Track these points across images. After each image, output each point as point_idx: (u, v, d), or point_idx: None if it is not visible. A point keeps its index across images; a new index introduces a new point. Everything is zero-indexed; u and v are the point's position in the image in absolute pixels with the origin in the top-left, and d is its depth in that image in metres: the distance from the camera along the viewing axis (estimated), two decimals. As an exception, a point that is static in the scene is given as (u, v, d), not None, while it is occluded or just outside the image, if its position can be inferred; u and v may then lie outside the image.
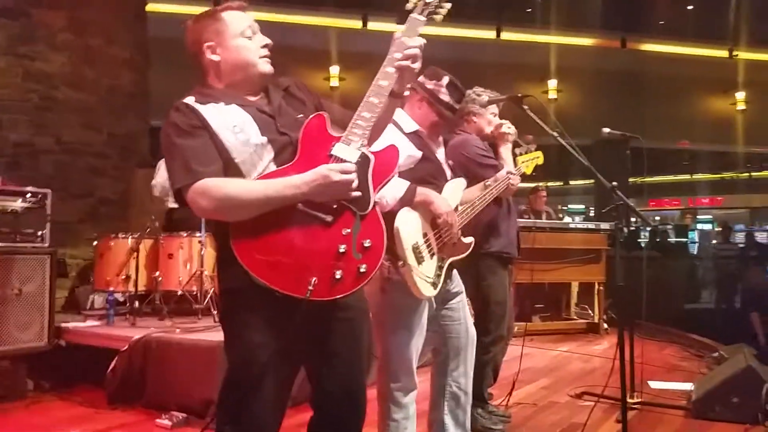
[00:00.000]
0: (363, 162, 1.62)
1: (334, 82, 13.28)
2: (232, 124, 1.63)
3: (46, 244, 3.81)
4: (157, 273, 4.27)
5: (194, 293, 4.22)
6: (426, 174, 2.49)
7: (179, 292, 4.25)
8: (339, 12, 13.20)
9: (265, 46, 1.74)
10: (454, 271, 2.67)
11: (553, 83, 14.11)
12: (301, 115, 1.71)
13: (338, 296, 1.54)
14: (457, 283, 2.73)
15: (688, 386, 4.01)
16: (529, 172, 2.99)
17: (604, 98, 14.05)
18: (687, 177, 21.45)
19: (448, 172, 2.64)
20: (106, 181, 5.60)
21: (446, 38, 12.99)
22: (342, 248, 1.54)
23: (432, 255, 2.40)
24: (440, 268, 2.44)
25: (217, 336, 3.45)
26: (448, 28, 13.23)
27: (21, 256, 3.65)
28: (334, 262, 1.54)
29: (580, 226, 6.33)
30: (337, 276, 1.53)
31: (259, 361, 1.58)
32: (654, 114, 13.50)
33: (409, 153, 2.43)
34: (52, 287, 3.78)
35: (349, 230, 1.56)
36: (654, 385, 4.21)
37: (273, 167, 1.62)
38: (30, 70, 5.16)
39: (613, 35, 14.27)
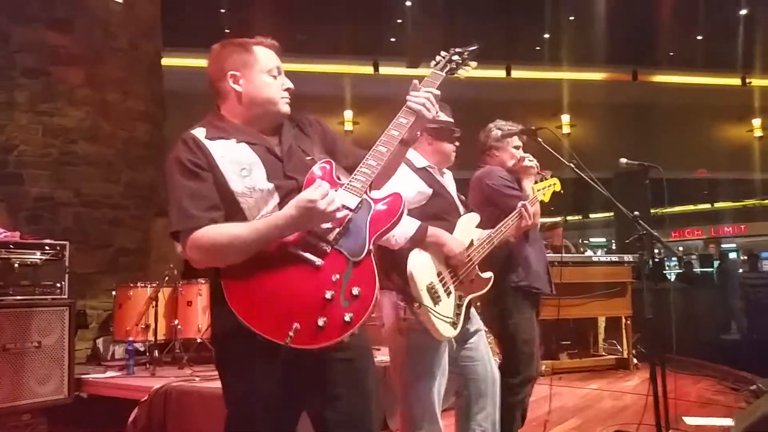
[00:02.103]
0: (363, 208, 1.59)
1: (348, 126, 13.47)
2: (240, 167, 1.61)
3: (65, 296, 3.80)
4: (176, 321, 4.24)
5: (214, 340, 4.17)
6: (438, 210, 2.46)
7: (198, 340, 4.21)
8: (352, 59, 13.46)
9: (288, 89, 1.75)
10: (472, 309, 2.61)
11: (566, 118, 14.15)
12: (310, 158, 1.70)
13: (320, 345, 1.46)
14: (476, 321, 2.66)
15: (726, 422, 3.85)
16: (546, 199, 2.93)
17: (618, 131, 14.06)
18: (708, 206, 21.19)
19: (461, 208, 2.60)
20: (124, 232, 5.64)
21: (455, 80, 13.15)
22: (329, 294, 1.48)
23: (449, 294, 2.35)
24: (459, 306, 2.38)
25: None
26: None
27: (40, 308, 3.65)
28: (319, 309, 1.47)
29: (603, 259, 6.20)
30: (320, 324, 1.46)
31: (256, 409, 1.53)
32: (669, 144, 13.45)
33: (419, 189, 2.41)
34: (71, 339, 3.75)
35: (339, 276, 1.50)
36: (689, 421, 4.04)
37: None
38: (49, 126, 5.27)
39: (624, 69, 14.35)
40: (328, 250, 1.52)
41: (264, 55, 1.74)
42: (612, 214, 17.13)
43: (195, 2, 11.22)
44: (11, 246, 3.59)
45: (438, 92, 1.78)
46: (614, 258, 6.22)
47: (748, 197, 19.85)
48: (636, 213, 2.57)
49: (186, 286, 4.34)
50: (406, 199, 1.68)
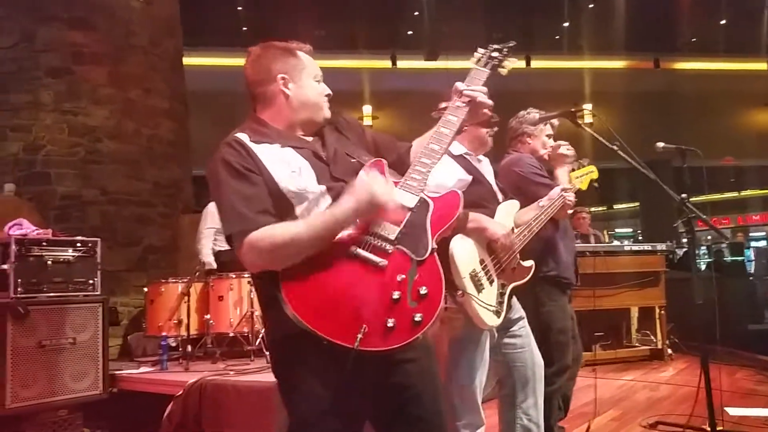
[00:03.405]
0: (421, 207, 1.56)
1: (368, 121, 13.41)
2: (290, 169, 1.56)
3: (98, 292, 3.81)
4: (208, 316, 4.23)
5: (245, 334, 4.15)
6: (477, 197, 2.40)
7: (231, 334, 4.19)
8: (370, 54, 13.41)
9: (328, 95, 1.75)
10: (513, 298, 2.56)
11: (588, 107, 13.96)
12: (355, 160, 1.66)
13: (391, 347, 1.42)
14: (518, 309, 2.61)
15: (772, 411, 3.74)
16: (584, 187, 2.85)
17: (640, 119, 13.81)
18: (735, 194, 20.78)
19: (500, 195, 2.55)
20: (152, 229, 5.65)
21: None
22: (396, 295, 1.43)
23: (491, 282, 2.30)
24: (502, 294, 2.33)
25: (272, 377, 3.36)
26: (477, 61, 13.30)
27: (74, 305, 3.65)
28: (387, 310, 1.42)
29: (635, 248, 6.07)
30: (389, 325, 1.41)
31: (325, 417, 1.46)
32: (694, 132, 13.17)
33: (459, 177, 2.37)
34: (105, 335, 3.76)
35: (404, 276, 1.46)
36: (732, 411, 3.93)
37: None
38: (74, 125, 5.30)
39: (645, 56, 14.12)
40: (390, 250, 1.48)
41: (309, 60, 1.75)
42: (638, 204, 16.87)
43: (210, 1, 11.24)
44: (44, 243, 3.60)
45: (485, 89, 1.76)
46: (647, 247, 6.10)
47: (776, 184, 19.47)
48: (684, 195, 2.48)
49: (217, 281, 4.32)
50: (462, 195, 1.64)
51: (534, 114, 3.04)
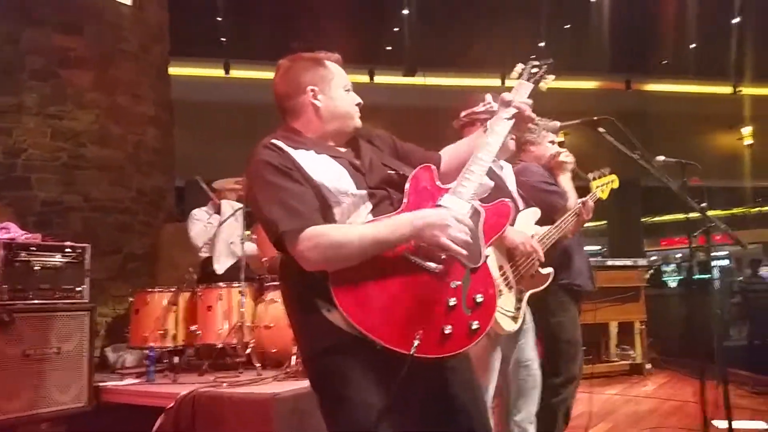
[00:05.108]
0: (474, 215, 1.56)
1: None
2: (330, 172, 1.55)
3: (86, 300, 3.69)
4: (195, 327, 4.12)
5: (234, 346, 4.06)
6: None
7: (219, 346, 4.09)
8: (347, 68, 13.37)
9: (358, 104, 1.73)
10: (527, 307, 2.57)
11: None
12: (393, 171, 1.66)
13: (447, 354, 1.41)
14: (528, 321, 2.61)
15: (760, 425, 3.82)
16: (605, 196, 2.89)
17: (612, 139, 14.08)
18: (697, 215, 21.27)
19: (520, 202, 2.56)
20: (133, 237, 5.53)
21: (452, 87, 13.21)
22: (452, 302, 1.43)
23: (510, 288, 2.32)
24: (519, 300, 2.36)
25: (267, 389, 3.30)
26: (453, 78, 13.46)
27: (60, 313, 3.53)
28: (444, 316, 1.41)
29: (617, 263, 6.17)
30: (447, 332, 1.40)
31: (377, 426, 1.41)
32: (662, 152, 13.47)
33: (482, 181, 2.36)
34: (91, 345, 3.65)
35: (459, 283, 1.46)
36: (719, 424, 3.99)
37: (370, 219, 1.54)
38: (58, 129, 5.18)
39: (617, 77, 14.45)
40: (444, 257, 1.45)
41: (339, 70, 1.73)
42: (605, 222, 17.19)
43: (190, 11, 11.14)
44: (33, 248, 3.48)
45: (530, 101, 1.77)
46: (627, 262, 6.19)
47: (737, 205, 20.03)
48: (704, 204, 2.53)
49: (205, 290, 4.22)
50: (512, 206, 1.66)
51: (554, 122, 3.06)
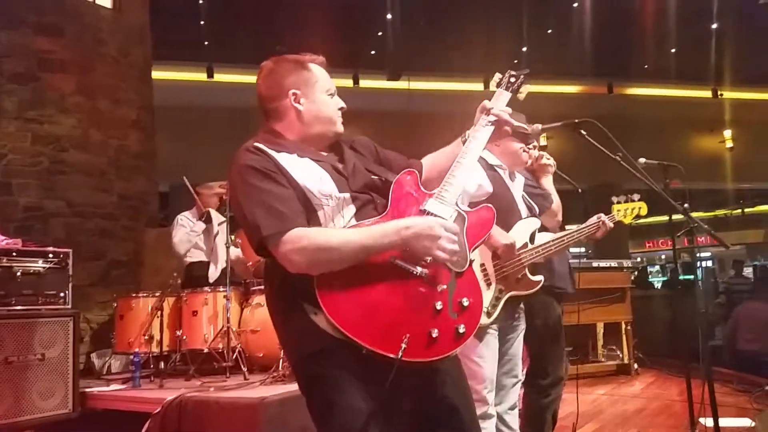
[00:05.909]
0: (458, 219, 1.56)
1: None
2: (312, 175, 1.53)
3: (69, 306, 3.64)
4: (180, 332, 4.08)
5: (220, 351, 4.02)
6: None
7: (205, 350, 4.05)
8: (331, 72, 13.35)
9: (341, 108, 1.71)
10: (521, 306, 2.58)
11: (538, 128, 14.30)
12: (377, 177, 1.65)
13: (434, 357, 1.40)
14: (522, 320, 2.64)
15: (745, 422, 3.85)
16: (627, 221, 2.88)
17: (593, 143, 14.19)
18: (681, 217, 21.52)
19: (524, 212, 2.57)
20: (115, 243, 5.48)
21: (436, 92, 13.26)
22: (439, 305, 1.43)
23: (489, 285, 2.35)
24: (497, 298, 2.40)
25: (255, 393, 3.27)
26: (437, 82, 13.52)
27: (44, 319, 3.47)
28: (430, 320, 1.41)
29: (603, 264, 6.20)
30: (434, 335, 1.40)
31: (365, 430, 1.40)
32: (644, 155, 13.61)
33: (480, 183, 2.38)
34: (75, 351, 3.59)
35: (445, 287, 1.46)
36: (705, 422, 4.02)
37: (354, 223, 1.52)
38: (39, 134, 5.12)
39: (599, 81, 14.59)
40: (430, 261, 1.44)
41: (322, 74, 1.71)
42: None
43: (172, 15, 11.06)
44: (14, 254, 3.42)
45: (509, 109, 1.80)
46: (613, 263, 6.23)
47: (719, 207, 20.30)
48: (686, 205, 2.54)
49: (190, 295, 4.18)
50: (495, 211, 1.68)
51: (536, 125, 3.07)
